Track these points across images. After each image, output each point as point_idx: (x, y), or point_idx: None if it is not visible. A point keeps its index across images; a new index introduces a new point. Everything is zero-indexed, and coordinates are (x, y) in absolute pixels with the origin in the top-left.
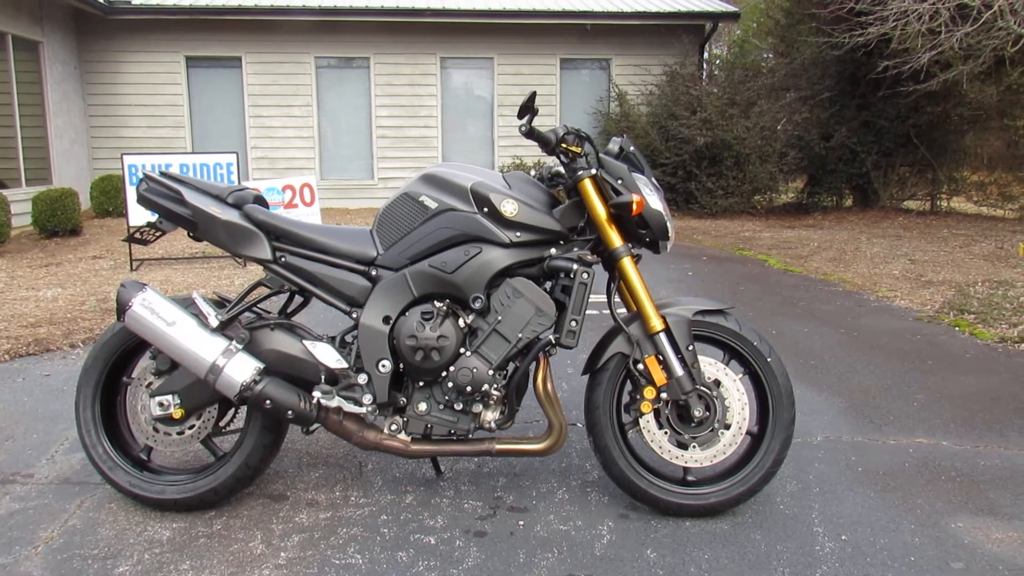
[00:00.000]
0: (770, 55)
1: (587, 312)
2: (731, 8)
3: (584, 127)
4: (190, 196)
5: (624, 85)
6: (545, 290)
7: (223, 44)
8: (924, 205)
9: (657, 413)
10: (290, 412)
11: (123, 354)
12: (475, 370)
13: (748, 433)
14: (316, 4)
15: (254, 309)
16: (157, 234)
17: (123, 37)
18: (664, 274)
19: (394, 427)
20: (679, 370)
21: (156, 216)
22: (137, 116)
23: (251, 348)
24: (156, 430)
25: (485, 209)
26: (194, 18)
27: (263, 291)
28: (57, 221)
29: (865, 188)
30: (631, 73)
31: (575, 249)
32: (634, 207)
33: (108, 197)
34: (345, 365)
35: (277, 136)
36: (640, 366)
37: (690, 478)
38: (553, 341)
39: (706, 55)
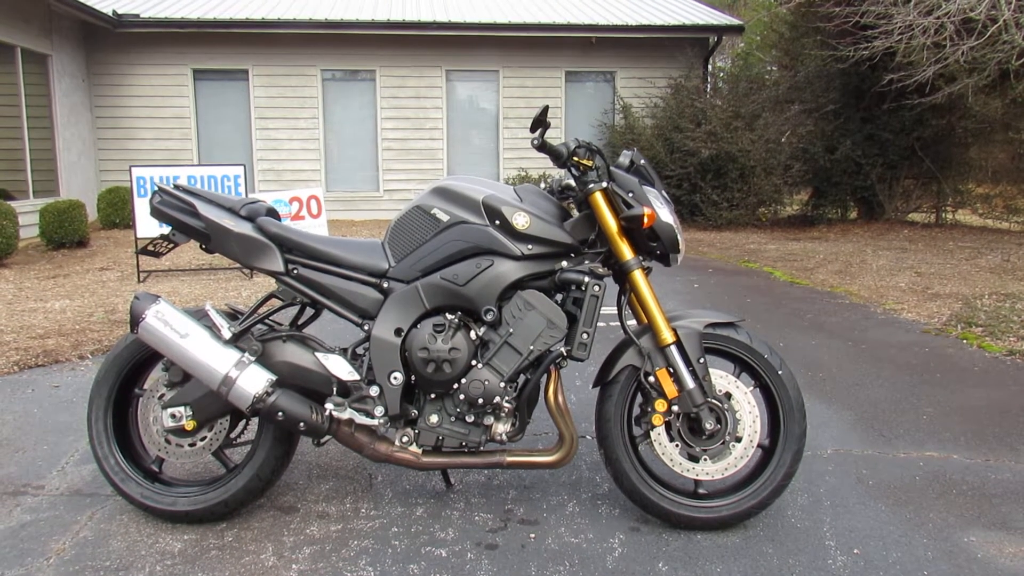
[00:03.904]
0: (774, 68)
1: (597, 324)
2: (735, 21)
3: (589, 140)
4: (203, 209)
5: (629, 98)
6: (556, 302)
7: (230, 57)
8: (929, 217)
9: (668, 426)
10: (302, 424)
11: (135, 366)
12: (487, 382)
13: (759, 446)
14: (323, 17)
15: (266, 321)
16: (170, 246)
17: (131, 50)
18: (670, 286)
19: (405, 439)
20: (690, 383)
21: (169, 228)
22: (145, 128)
23: (263, 360)
24: (168, 442)
25: (497, 222)
26: (202, 31)
27: (275, 303)
28: (64, 233)
29: (870, 200)
30: (636, 86)
31: (586, 262)
32: (645, 220)
33: (115, 209)
34: (357, 377)
35: (283, 148)
36: (651, 378)
37: (701, 491)
38: (564, 353)
39: (710, 68)
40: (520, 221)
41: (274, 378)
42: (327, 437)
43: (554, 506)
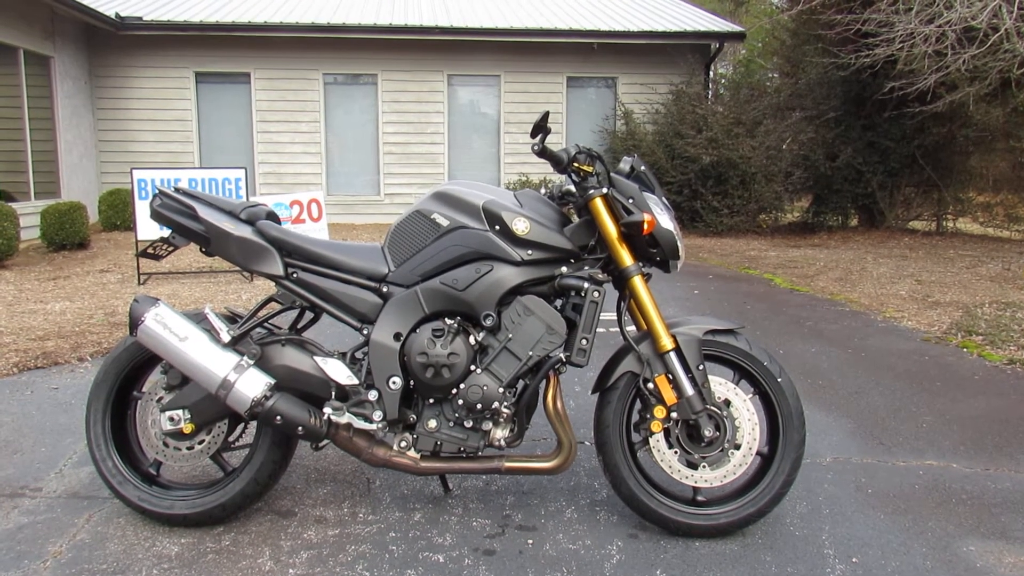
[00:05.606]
0: (775, 75)
1: (597, 330)
2: (737, 28)
3: (590, 145)
4: (203, 212)
5: (630, 103)
6: (556, 308)
7: (232, 60)
8: (930, 226)
9: (667, 432)
10: (300, 428)
11: (134, 368)
12: (485, 387)
13: (758, 454)
14: (324, 21)
15: (265, 325)
16: (170, 249)
17: (134, 53)
18: (670, 292)
19: (403, 444)
20: (689, 389)
21: (169, 231)
22: (146, 131)
23: (262, 364)
24: (166, 445)
25: (497, 227)
26: (204, 34)
27: (274, 307)
28: (65, 234)
29: (871, 208)
30: (637, 92)
31: (586, 268)
32: (645, 226)
33: (116, 211)
34: (356, 381)
35: (285, 151)
36: (650, 385)
37: (700, 498)
38: (563, 359)
39: (712, 74)
40: (520, 226)
41: (273, 382)
42: (325, 441)
43: (552, 512)
